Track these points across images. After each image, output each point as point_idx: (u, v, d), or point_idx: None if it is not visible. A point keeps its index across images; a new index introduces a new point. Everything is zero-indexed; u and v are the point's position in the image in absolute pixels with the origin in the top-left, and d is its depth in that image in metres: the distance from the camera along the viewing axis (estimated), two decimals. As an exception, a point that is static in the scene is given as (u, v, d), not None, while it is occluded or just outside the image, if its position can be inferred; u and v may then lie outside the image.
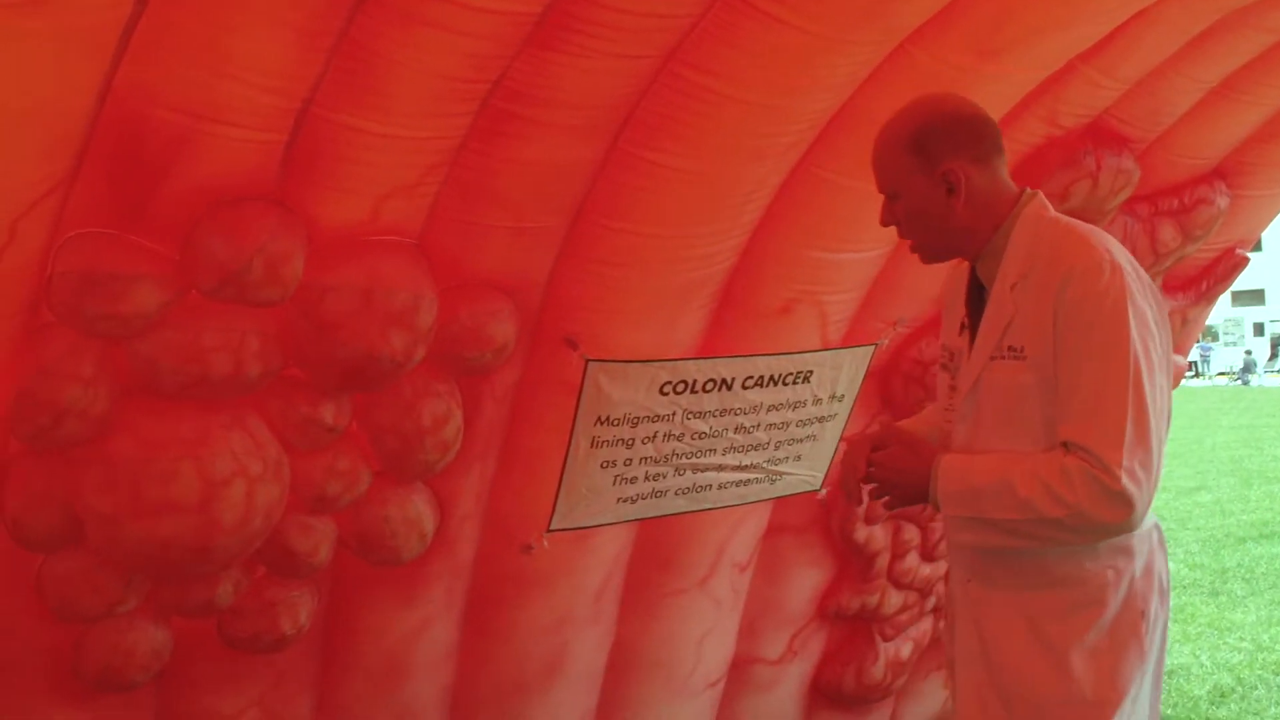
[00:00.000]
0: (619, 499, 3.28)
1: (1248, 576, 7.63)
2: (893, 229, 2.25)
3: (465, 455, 3.02)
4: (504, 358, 2.84)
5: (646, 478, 3.29)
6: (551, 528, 3.24)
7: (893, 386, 3.65)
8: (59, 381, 2.33)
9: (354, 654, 3.17)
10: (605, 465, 3.19)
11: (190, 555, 2.55)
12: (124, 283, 2.31)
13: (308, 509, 2.78)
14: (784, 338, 3.25)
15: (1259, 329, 50.07)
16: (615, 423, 3.12)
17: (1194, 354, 46.68)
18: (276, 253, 2.39)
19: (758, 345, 3.22)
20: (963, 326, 2.30)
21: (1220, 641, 6.07)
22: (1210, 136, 3.52)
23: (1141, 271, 2.13)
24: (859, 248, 3.16)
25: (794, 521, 3.84)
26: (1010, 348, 2.14)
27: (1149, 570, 2.20)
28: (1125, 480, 2.00)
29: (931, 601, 4.27)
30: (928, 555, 4.12)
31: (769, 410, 3.36)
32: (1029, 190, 2.23)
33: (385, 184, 2.48)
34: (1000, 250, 2.19)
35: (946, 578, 2.42)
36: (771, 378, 3.29)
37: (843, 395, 3.49)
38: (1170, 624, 6.47)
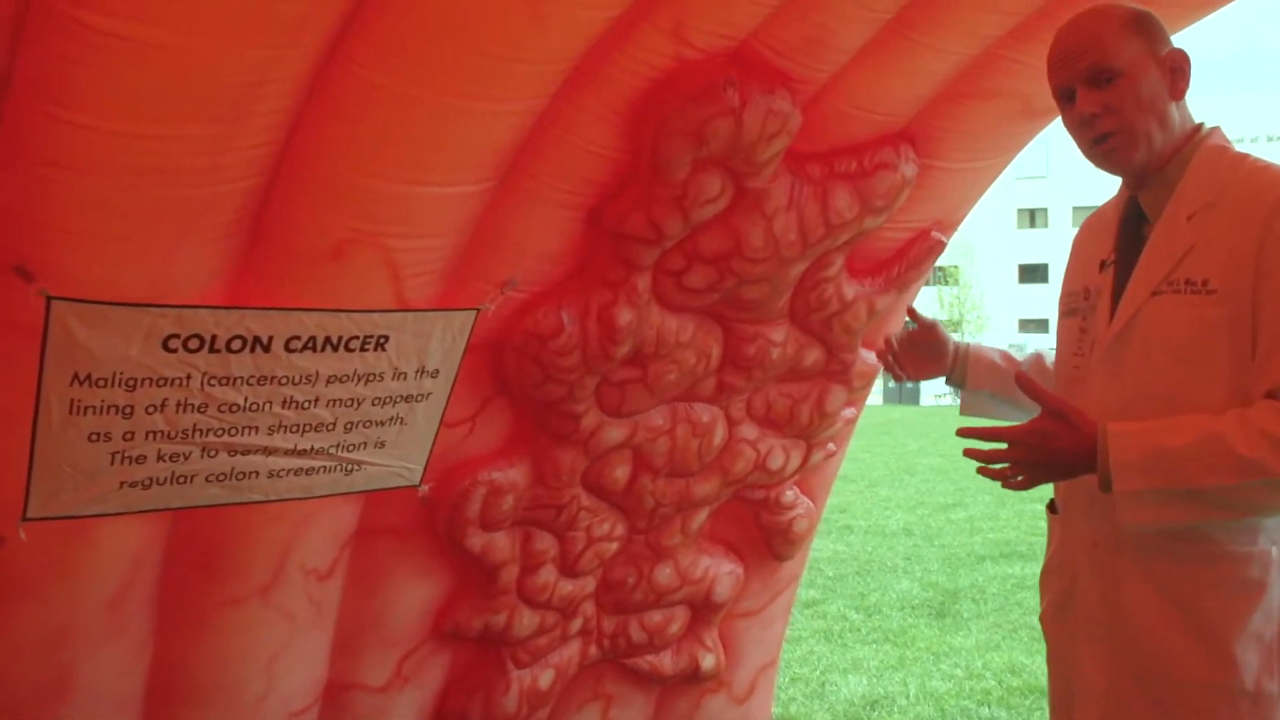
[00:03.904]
0: (123, 482, 2.56)
1: (978, 597, 7.34)
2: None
3: (-120, 417, 2.27)
4: (-107, 283, 2.10)
5: (160, 457, 2.57)
6: (28, 516, 2.50)
7: (505, 363, 3.00)
8: None
9: None
10: (96, 438, 2.47)
11: None
12: None
13: None
14: (340, 291, 2.55)
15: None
16: (101, 384, 2.39)
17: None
18: None
19: (305, 298, 2.53)
20: (1104, 264, 2.19)
21: (934, 668, 5.69)
22: (889, 87, 2.96)
23: None
24: (437, 180, 2.49)
25: (393, 522, 3.16)
26: (1188, 281, 2.00)
27: None
28: None
29: (577, 624, 3.66)
30: (568, 570, 3.50)
31: (330, 382, 2.68)
32: (1208, 126, 2.15)
33: None
34: (1174, 179, 2.09)
35: (1054, 546, 2.30)
36: (328, 340, 2.60)
37: (437, 370, 2.84)
38: (888, 649, 5.96)
